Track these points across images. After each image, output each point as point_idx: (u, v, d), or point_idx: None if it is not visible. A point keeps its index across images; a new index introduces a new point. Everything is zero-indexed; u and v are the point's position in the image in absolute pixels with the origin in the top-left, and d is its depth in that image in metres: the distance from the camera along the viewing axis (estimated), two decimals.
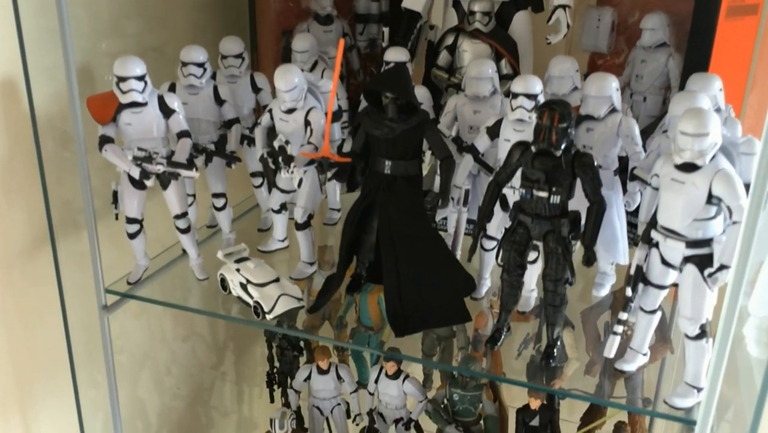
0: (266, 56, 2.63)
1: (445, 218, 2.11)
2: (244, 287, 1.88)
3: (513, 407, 2.22)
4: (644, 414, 1.66)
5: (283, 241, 2.20)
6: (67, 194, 1.97)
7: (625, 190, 1.85)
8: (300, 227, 2.01)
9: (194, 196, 2.21)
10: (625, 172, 1.83)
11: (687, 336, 1.48)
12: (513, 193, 1.72)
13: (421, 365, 2.56)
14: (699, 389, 1.50)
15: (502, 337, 1.73)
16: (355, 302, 2.46)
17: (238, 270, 1.91)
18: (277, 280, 1.88)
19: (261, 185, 2.31)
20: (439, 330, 2.44)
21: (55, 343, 2.01)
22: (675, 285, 1.53)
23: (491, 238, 1.88)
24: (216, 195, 2.16)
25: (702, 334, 1.47)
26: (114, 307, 1.95)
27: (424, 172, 1.90)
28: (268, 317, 1.82)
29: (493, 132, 1.82)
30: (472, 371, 1.89)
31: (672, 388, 1.56)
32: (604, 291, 1.99)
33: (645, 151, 1.76)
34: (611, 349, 1.56)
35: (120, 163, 1.79)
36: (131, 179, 1.85)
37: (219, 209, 2.18)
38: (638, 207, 1.70)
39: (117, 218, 1.92)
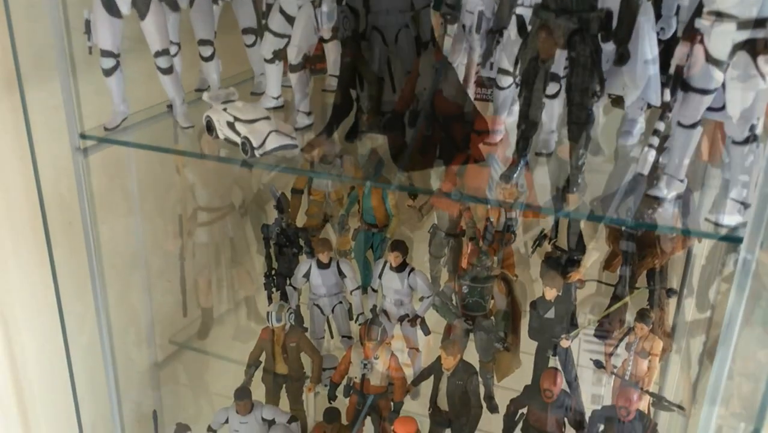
0: None
1: None
2: (231, 125, 1.69)
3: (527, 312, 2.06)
4: (684, 234, 1.47)
5: (277, 99, 2.01)
6: (36, 31, 1.77)
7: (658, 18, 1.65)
8: (294, 68, 1.82)
9: (179, 45, 2.00)
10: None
11: (734, 141, 1.29)
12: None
13: (429, 267, 2.39)
14: (746, 205, 1.31)
15: (519, 168, 1.52)
16: (358, 199, 2.28)
17: (225, 110, 1.73)
18: (267, 118, 1.70)
19: (254, 44, 2.11)
20: (446, 227, 2.27)
21: (30, 211, 1.84)
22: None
23: (507, 73, 1.68)
24: (202, 42, 1.96)
25: (751, 137, 1.28)
26: (90, 151, 1.77)
27: None
28: (257, 153, 1.63)
29: None
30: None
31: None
32: (632, 140, 1.79)
33: None
34: (644, 165, 1.37)
35: None
36: (105, 3, 1.65)
37: (206, 59, 1.98)
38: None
39: (91, 52, 1.73)
